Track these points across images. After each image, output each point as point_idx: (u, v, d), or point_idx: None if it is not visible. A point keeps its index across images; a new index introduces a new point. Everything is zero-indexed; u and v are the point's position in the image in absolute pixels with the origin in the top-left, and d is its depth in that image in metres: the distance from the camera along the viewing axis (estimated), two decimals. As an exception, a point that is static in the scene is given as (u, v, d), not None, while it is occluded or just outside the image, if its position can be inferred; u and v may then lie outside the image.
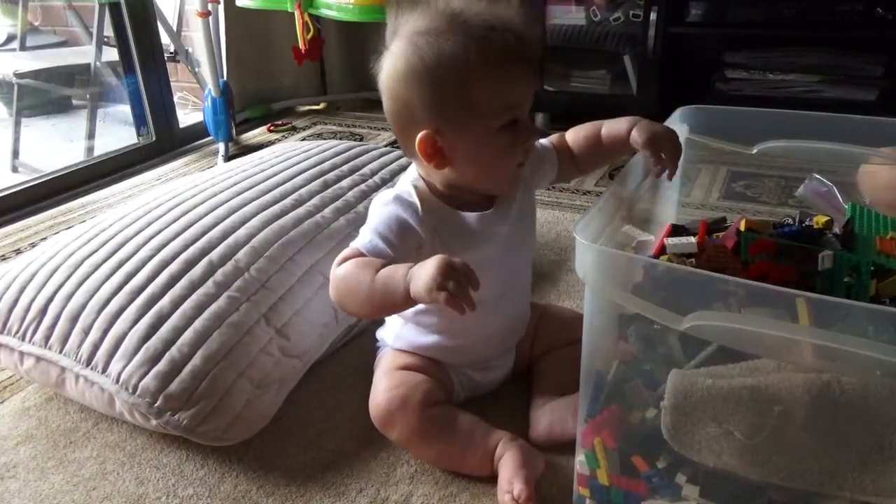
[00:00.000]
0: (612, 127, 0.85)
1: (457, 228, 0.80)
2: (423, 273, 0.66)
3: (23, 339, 0.91)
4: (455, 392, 0.89)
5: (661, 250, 0.72)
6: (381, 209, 0.79)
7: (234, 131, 2.04)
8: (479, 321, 0.85)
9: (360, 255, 0.76)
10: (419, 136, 0.76)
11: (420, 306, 0.84)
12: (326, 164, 1.20)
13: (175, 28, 2.15)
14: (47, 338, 0.89)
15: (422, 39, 0.74)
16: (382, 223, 0.78)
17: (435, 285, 0.64)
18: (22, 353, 0.91)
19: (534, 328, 0.95)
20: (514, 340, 0.93)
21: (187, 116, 2.33)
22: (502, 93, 0.74)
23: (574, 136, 0.90)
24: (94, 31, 2.26)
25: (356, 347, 1.04)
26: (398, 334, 0.89)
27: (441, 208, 0.80)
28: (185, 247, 0.95)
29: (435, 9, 0.75)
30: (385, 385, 0.84)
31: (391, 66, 0.76)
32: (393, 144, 2.01)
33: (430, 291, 0.64)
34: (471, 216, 0.81)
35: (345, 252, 0.77)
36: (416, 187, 0.80)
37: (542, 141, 0.90)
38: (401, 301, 0.69)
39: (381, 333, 0.94)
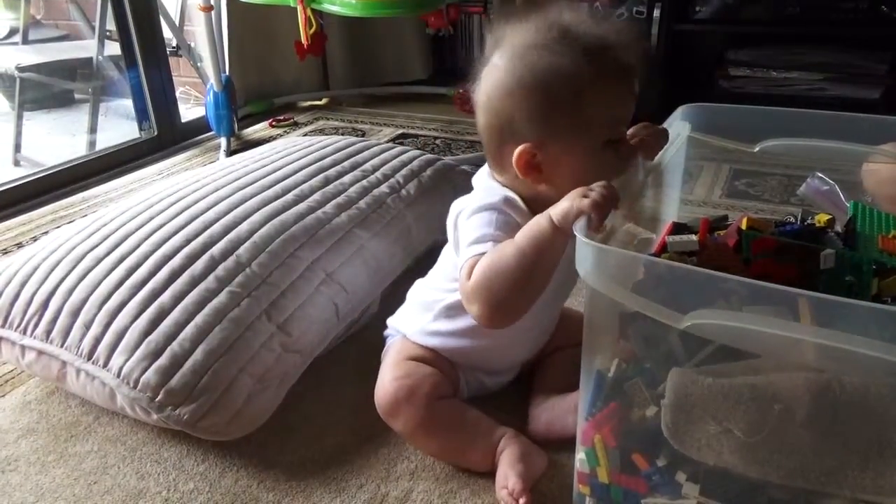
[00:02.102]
0: None
1: None
2: (562, 202, 0.65)
3: (24, 333, 0.91)
4: (460, 390, 0.89)
5: (663, 248, 0.72)
6: (489, 213, 0.74)
7: (235, 126, 2.04)
8: (516, 335, 0.85)
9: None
10: (518, 149, 0.73)
11: (461, 311, 0.81)
12: (328, 160, 1.20)
13: (177, 22, 2.15)
14: (49, 332, 0.89)
15: (533, 53, 0.72)
16: (496, 224, 0.73)
17: (575, 203, 0.64)
18: (23, 347, 0.91)
19: (553, 326, 0.94)
20: (531, 355, 0.93)
21: (189, 111, 2.32)
22: (611, 107, 0.73)
23: None
24: (96, 25, 2.26)
25: (357, 343, 1.04)
26: (424, 329, 0.88)
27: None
28: (187, 242, 0.95)
29: (545, 22, 0.73)
30: (393, 375, 0.84)
31: (495, 79, 0.74)
32: (395, 140, 2.01)
33: (571, 207, 0.64)
34: None
35: (470, 265, 0.71)
36: (514, 194, 0.77)
37: None
38: (550, 236, 0.66)
39: (393, 322, 0.94)
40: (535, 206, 0.77)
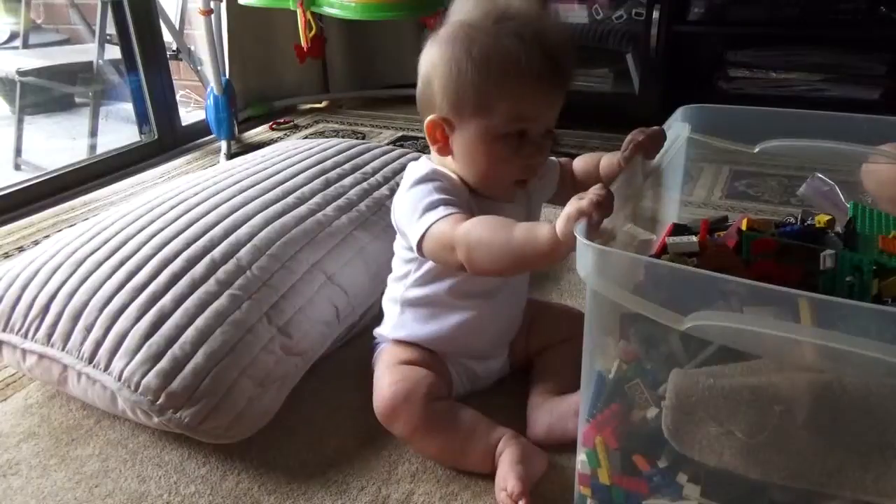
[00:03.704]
0: (606, 161, 0.87)
1: (485, 210, 0.79)
2: (565, 209, 0.64)
3: (25, 337, 0.91)
4: (455, 386, 0.90)
5: (663, 249, 0.72)
6: (423, 186, 0.78)
7: (236, 129, 2.04)
8: (475, 313, 0.86)
9: (457, 216, 0.73)
10: (428, 118, 0.79)
11: (419, 294, 0.86)
12: (328, 163, 1.20)
13: (177, 26, 2.15)
14: (50, 335, 0.89)
15: (462, 31, 0.76)
16: (436, 190, 0.77)
17: (575, 200, 0.63)
18: (24, 351, 0.91)
19: (529, 323, 0.95)
20: (511, 334, 0.94)
21: (189, 114, 2.33)
22: (515, 102, 0.75)
23: (578, 163, 0.92)
24: (97, 29, 2.26)
25: (358, 346, 1.04)
26: (397, 323, 0.90)
27: (466, 191, 0.81)
28: (187, 245, 0.95)
29: (488, 5, 0.77)
30: (389, 379, 0.84)
31: (428, 51, 0.79)
32: (395, 143, 2.01)
33: (570, 206, 0.63)
34: (495, 204, 0.81)
35: (443, 225, 0.73)
36: (441, 168, 0.81)
37: (551, 157, 0.90)
38: (545, 242, 0.66)
39: (379, 331, 0.95)
40: (461, 180, 0.81)
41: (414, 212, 0.77)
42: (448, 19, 0.79)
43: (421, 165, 0.83)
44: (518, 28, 0.75)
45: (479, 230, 0.71)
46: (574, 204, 0.64)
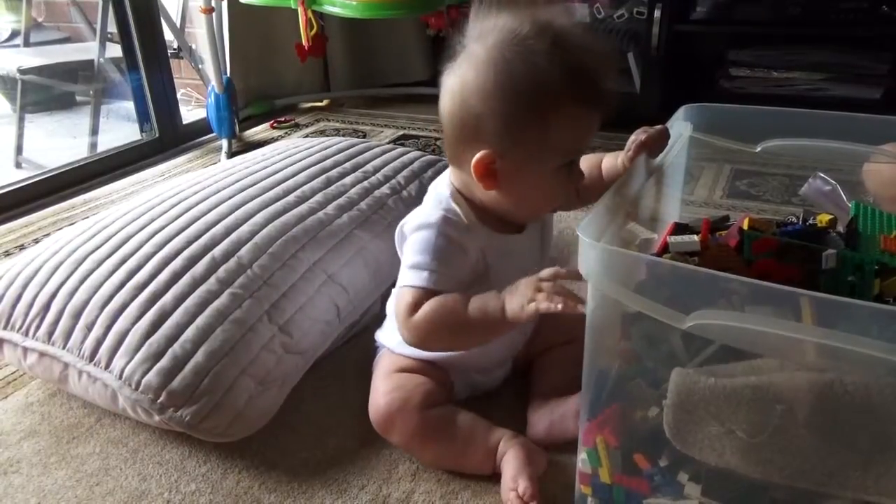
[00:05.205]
0: (608, 161, 0.86)
1: (498, 248, 0.80)
2: (515, 295, 0.69)
3: (26, 335, 0.91)
4: (455, 392, 0.89)
5: (664, 249, 0.72)
6: (427, 234, 0.76)
7: (237, 128, 2.04)
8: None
9: (428, 293, 0.74)
10: (479, 154, 0.72)
11: None
12: (329, 161, 1.20)
13: (178, 24, 2.15)
14: (50, 334, 0.89)
15: (518, 57, 0.69)
16: (433, 251, 0.75)
17: (526, 301, 0.67)
18: (25, 349, 0.91)
19: (533, 326, 0.95)
20: (517, 348, 0.93)
21: (190, 113, 2.33)
22: (577, 135, 0.74)
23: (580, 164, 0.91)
24: (98, 27, 2.26)
25: (358, 345, 1.04)
26: (401, 341, 0.87)
27: (482, 229, 0.79)
28: (188, 243, 0.95)
29: (537, 26, 0.70)
30: (384, 388, 0.84)
31: (473, 73, 0.71)
32: (396, 141, 2.01)
33: (523, 308, 0.68)
34: (509, 238, 0.81)
35: (410, 297, 0.74)
36: (458, 205, 0.78)
37: None
38: (501, 326, 0.71)
39: (380, 336, 0.94)
40: (483, 209, 0.79)
41: (407, 255, 0.78)
42: (485, 32, 0.72)
43: (441, 200, 0.79)
44: (583, 62, 0.70)
45: (435, 315, 0.73)
46: (527, 296, 0.67)
